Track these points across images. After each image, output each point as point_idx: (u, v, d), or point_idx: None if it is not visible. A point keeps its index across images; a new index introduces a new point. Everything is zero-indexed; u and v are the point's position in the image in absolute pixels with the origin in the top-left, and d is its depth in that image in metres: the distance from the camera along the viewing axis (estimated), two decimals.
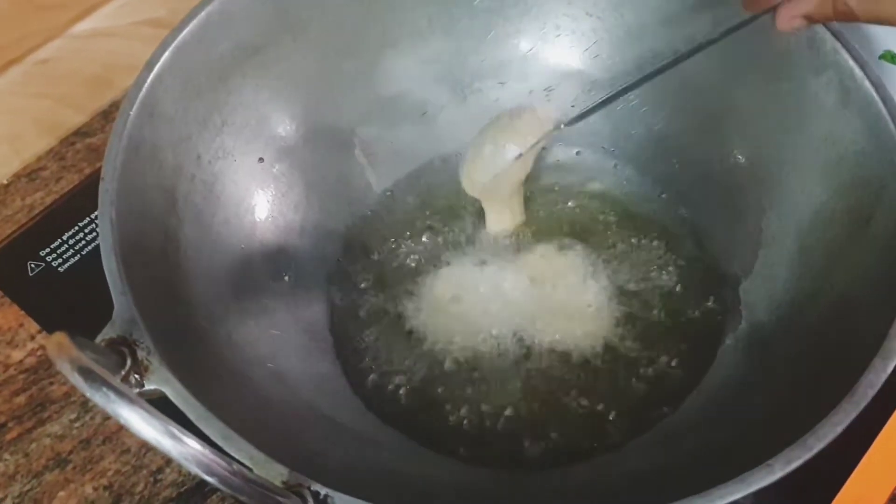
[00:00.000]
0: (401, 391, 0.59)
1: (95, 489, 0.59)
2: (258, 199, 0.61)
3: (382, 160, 0.68)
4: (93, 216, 0.70)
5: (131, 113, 0.51)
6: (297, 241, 0.63)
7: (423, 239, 0.66)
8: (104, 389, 0.33)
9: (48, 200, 0.73)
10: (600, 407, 0.57)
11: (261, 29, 0.59)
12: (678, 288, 0.62)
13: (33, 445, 0.61)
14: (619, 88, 0.57)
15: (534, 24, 0.67)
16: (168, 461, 0.59)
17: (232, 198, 0.59)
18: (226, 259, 0.57)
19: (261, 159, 0.61)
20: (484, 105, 0.68)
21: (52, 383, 0.63)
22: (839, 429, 0.40)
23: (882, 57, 0.62)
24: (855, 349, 0.44)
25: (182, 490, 0.58)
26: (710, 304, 0.61)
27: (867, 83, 0.51)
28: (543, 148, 0.65)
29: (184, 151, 0.55)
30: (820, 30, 0.53)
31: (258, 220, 0.61)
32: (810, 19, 0.50)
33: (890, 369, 0.41)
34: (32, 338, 0.65)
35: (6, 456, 0.60)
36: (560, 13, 0.66)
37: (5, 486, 0.59)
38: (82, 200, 0.71)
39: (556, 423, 0.57)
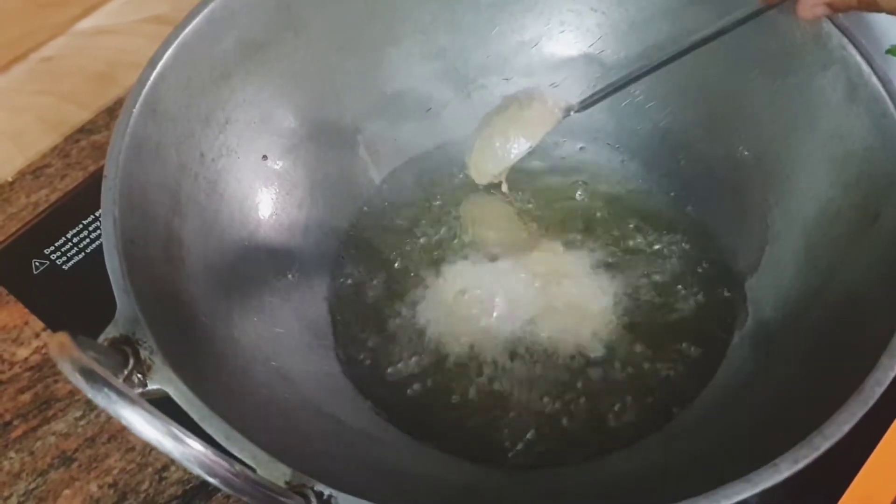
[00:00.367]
0: (405, 389, 0.59)
1: (100, 487, 0.59)
2: (262, 197, 0.61)
3: (386, 157, 0.68)
4: (97, 214, 0.70)
5: (134, 111, 0.51)
6: (301, 238, 0.63)
7: (428, 235, 0.66)
8: (105, 390, 0.33)
9: (53, 198, 0.73)
10: (606, 406, 0.57)
11: (263, 26, 0.59)
12: (684, 284, 0.62)
13: (38, 444, 0.61)
14: (633, 74, 0.56)
15: (538, 19, 0.66)
16: (173, 459, 0.59)
17: (235, 195, 0.59)
18: (229, 257, 0.57)
19: (264, 157, 0.61)
20: (488, 101, 0.67)
21: (56, 381, 0.63)
22: (846, 428, 0.39)
23: (889, 51, 0.62)
24: (862, 347, 0.43)
25: (187, 488, 0.58)
26: (716, 300, 0.61)
27: (874, 79, 0.50)
28: (549, 132, 0.65)
29: (187, 149, 0.55)
30: (827, 25, 0.52)
31: (262, 217, 0.61)
32: (833, 7, 0.50)
33: None
34: (37, 335, 0.65)
35: (11, 454, 0.60)
36: (565, 9, 0.66)
37: (11, 484, 0.59)
38: (86, 198, 0.71)
39: (562, 422, 0.57)
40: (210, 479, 0.33)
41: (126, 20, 0.77)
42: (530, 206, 0.67)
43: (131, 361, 0.41)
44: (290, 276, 0.61)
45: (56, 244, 0.69)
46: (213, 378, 0.47)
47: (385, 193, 0.68)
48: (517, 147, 0.61)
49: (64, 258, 0.68)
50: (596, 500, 0.51)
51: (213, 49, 0.56)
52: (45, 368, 0.64)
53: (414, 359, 0.60)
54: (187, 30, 0.54)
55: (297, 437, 0.48)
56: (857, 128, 0.51)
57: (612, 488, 0.51)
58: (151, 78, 0.52)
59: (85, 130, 0.78)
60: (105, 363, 0.40)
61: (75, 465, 0.60)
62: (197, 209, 0.55)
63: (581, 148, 0.69)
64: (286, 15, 0.60)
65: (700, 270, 0.62)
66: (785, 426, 0.44)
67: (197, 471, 0.33)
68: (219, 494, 0.58)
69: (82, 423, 0.61)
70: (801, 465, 0.38)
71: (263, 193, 0.61)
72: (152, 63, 0.53)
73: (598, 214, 0.66)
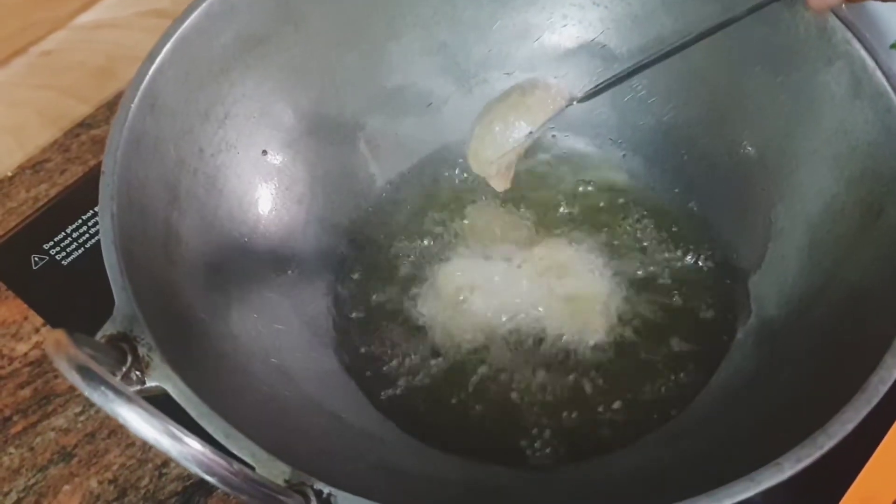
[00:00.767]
0: (405, 387, 0.58)
1: (100, 483, 0.59)
2: (261, 193, 0.61)
3: (387, 152, 0.68)
4: (96, 209, 0.69)
5: (132, 106, 0.50)
6: (301, 234, 0.63)
7: (429, 231, 0.65)
8: (102, 388, 0.32)
9: (53, 192, 0.73)
10: (609, 403, 0.57)
11: (263, 19, 0.58)
12: (687, 281, 0.62)
13: (38, 439, 0.61)
14: (636, 65, 0.56)
15: (541, 14, 0.66)
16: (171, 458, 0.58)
17: (235, 191, 0.59)
18: (228, 253, 0.57)
19: (264, 152, 0.61)
20: (490, 96, 0.66)
21: (56, 377, 0.63)
22: (850, 426, 0.39)
23: (894, 46, 0.61)
24: (866, 345, 0.43)
25: (187, 484, 0.58)
26: (719, 297, 0.61)
27: (879, 73, 0.50)
28: (552, 127, 0.65)
29: (186, 144, 0.55)
30: (831, 19, 0.52)
31: (261, 213, 0.61)
32: None
33: None
34: (37, 331, 0.65)
35: (11, 450, 0.60)
36: (567, 3, 0.65)
37: (10, 479, 0.59)
38: (86, 193, 0.71)
39: (564, 419, 0.57)
40: (208, 478, 0.33)
41: (126, 14, 0.77)
42: (532, 201, 0.66)
43: (129, 358, 0.41)
44: (289, 272, 0.61)
45: (55, 239, 0.69)
46: (212, 375, 0.46)
47: (386, 189, 0.68)
48: (517, 132, 0.60)
49: (63, 253, 0.68)
50: (598, 498, 0.51)
51: (213, 43, 0.56)
52: (44, 364, 0.64)
53: (415, 356, 0.60)
54: (186, 24, 0.54)
55: (296, 435, 0.48)
56: (861, 123, 0.51)
57: (614, 486, 0.51)
58: (150, 72, 0.52)
59: (85, 125, 0.78)
60: (103, 360, 0.40)
61: (75, 460, 0.60)
62: (196, 205, 0.55)
63: (584, 143, 0.69)
64: (286, 9, 0.59)
65: (703, 267, 0.62)
66: (788, 425, 0.44)
67: (195, 469, 0.33)
68: (219, 490, 0.57)
69: (82, 418, 0.61)
70: (804, 464, 0.38)
71: (263, 189, 0.61)
72: (151, 57, 0.52)
73: (601, 210, 0.66)
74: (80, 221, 0.70)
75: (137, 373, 0.41)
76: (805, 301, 0.53)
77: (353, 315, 0.62)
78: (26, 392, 0.63)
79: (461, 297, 0.62)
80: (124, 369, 0.41)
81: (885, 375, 0.40)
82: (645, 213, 0.65)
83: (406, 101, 0.67)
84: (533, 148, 0.65)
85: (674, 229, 0.64)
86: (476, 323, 0.60)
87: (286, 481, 0.38)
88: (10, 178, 0.74)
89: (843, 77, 0.52)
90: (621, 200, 0.66)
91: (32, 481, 0.59)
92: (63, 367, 0.33)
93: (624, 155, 0.68)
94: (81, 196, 0.71)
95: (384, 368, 0.59)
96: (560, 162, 0.68)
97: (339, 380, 0.58)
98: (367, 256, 0.64)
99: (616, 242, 0.64)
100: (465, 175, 0.67)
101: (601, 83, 0.58)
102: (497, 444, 0.56)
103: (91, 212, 0.70)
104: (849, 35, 0.51)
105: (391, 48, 0.65)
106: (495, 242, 0.64)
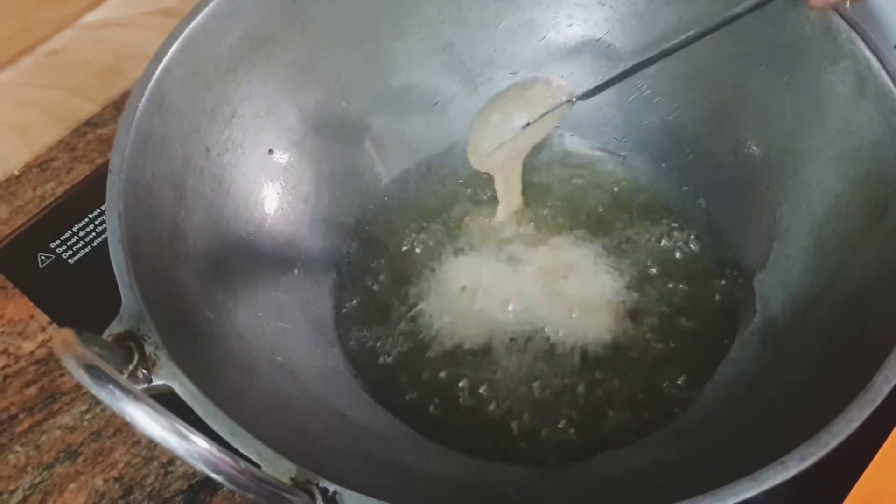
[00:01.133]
0: (412, 386, 0.59)
1: (106, 481, 0.59)
2: (267, 192, 0.61)
3: (392, 151, 0.68)
4: (103, 208, 0.69)
5: (139, 105, 0.50)
6: (307, 233, 0.63)
7: (434, 230, 0.66)
8: (110, 386, 0.33)
9: (59, 191, 0.73)
10: (612, 402, 0.57)
11: (269, 19, 0.58)
12: (692, 280, 0.62)
13: (44, 437, 0.61)
14: (638, 62, 0.56)
15: (546, 13, 0.66)
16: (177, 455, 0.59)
17: (241, 190, 0.59)
18: (235, 252, 0.57)
19: (270, 151, 0.61)
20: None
21: (62, 375, 0.63)
22: (854, 425, 0.39)
23: None
24: (870, 344, 0.43)
25: (192, 482, 0.59)
26: (723, 296, 0.61)
27: (883, 73, 0.50)
28: (557, 127, 0.65)
29: (192, 143, 0.55)
30: (836, 19, 0.52)
31: (268, 212, 0.61)
32: None
33: None
34: (43, 329, 0.65)
35: (17, 448, 0.60)
36: (572, 2, 0.65)
37: (16, 477, 0.59)
38: (93, 192, 0.71)
39: (568, 418, 0.57)
40: (214, 476, 0.33)
41: (133, 13, 0.77)
42: (537, 200, 0.67)
43: (136, 357, 0.41)
44: (295, 271, 0.61)
45: (62, 238, 0.69)
46: (218, 374, 0.47)
47: (391, 188, 0.68)
48: (514, 122, 0.60)
49: (70, 252, 0.68)
50: (603, 497, 0.51)
51: (219, 43, 0.56)
52: (50, 362, 0.64)
53: (420, 354, 0.60)
54: (193, 23, 0.54)
55: (302, 433, 0.48)
56: (866, 123, 0.51)
57: (618, 485, 0.51)
58: (157, 72, 0.52)
59: (91, 124, 0.78)
60: (110, 359, 0.40)
61: (81, 458, 0.60)
62: (202, 204, 0.55)
63: (589, 142, 0.69)
64: (292, 8, 0.59)
65: (708, 266, 0.62)
66: (792, 423, 0.44)
67: (201, 467, 0.33)
68: (224, 488, 0.58)
69: (88, 416, 0.61)
70: (808, 463, 0.38)
71: (269, 188, 0.61)
72: (158, 57, 0.52)
73: (605, 209, 0.66)
74: (86, 220, 0.70)
75: (144, 371, 0.41)
76: (810, 300, 0.53)
77: (359, 314, 0.62)
78: (32, 390, 0.63)
79: (466, 297, 0.62)
80: (131, 368, 0.41)
81: (890, 374, 0.40)
82: (649, 212, 0.65)
83: (411, 101, 0.67)
84: (538, 147, 0.65)
85: (678, 228, 0.64)
86: (480, 322, 0.60)
87: (292, 479, 0.38)
88: (17, 177, 0.74)
89: (848, 77, 0.52)
90: (626, 200, 0.66)
91: (38, 479, 0.59)
92: (71, 365, 0.33)
93: (630, 154, 0.68)
94: (88, 195, 0.72)
95: (389, 367, 0.59)
96: (565, 161, 0.68)
97: (345, 378, 0.58)
98: (372, 255, 0.65)
99: (620, 242, 0.64)
100: (471, 174, 0.67)
101: (602, 81, 0.58)
102: (502, 442, 0.56)
103: (98, 210, 0.70)
104: (854, 35, 0.51)
105: (397, 47, 0.65)
106: (500, 242, 0.64)
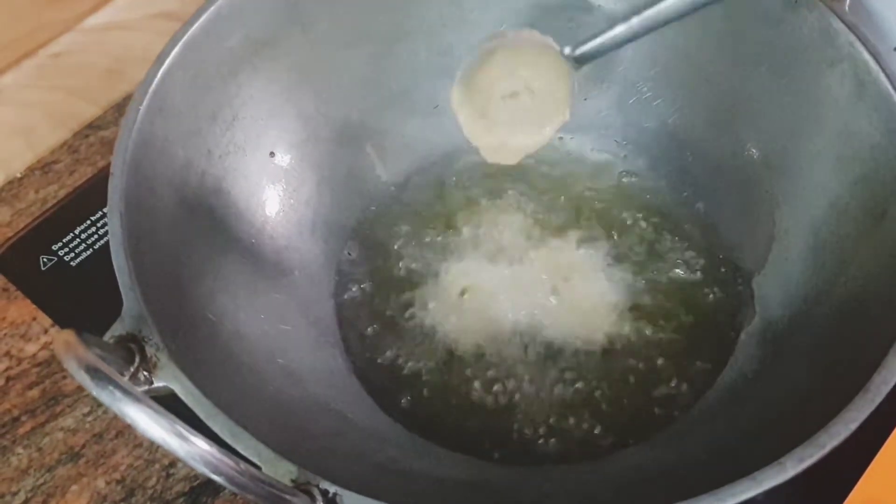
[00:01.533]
0: (412, 388, 0.59)
1: (108, 483, 0.59)
2: (269, 194, 0.61)
3: (393, 154, 0.68)
4: (105, 210, 0.70)
5: (141, 108, 0.51)
6: (308, 235, 0.63)
7: (435, 233, 0.66)
8: (110, 388, 0.33)
9: (61, 194, 0.73)
10: (613, 403, 0.57)
11: (271, 22, 0.59)
12: (692, 282, 0.62)
13: (46, 439, 0.61)
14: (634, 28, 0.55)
15: (546, 17, 0.66)
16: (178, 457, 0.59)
17: (243, 192, 0.59)
18: (236, 254, 0.57)
19: (271, 154, 0.61)
20: None
21: (65, 377, 0.63)
22: (853, 426, 0.39)
23: None
24: (869, 345, 0.43)
25: (194, 484, 0.59)
26: (723, 298, 0.61)
27: (882, 76, 0.50)
28: (558, 135, 0.65)
29: (194, 146, 0.55)
30: (835, 21, 0.52)
31: (269, 214, 0.61)
32: None
33: None
34: (45, 331, 0.66)
35: (19, 450, 0.61)
36: (573, 8, 0.65)
37: (18, 479, 0.59)
38: (95, 194, 0.71)
39: (569, 420, 0.57)
40: (215, 478, 0.33)
41: (135, 16, 0.78)
42: (537, 203, 0.67)
43: (137, 359, 0.41)
44: (296, 273, 0.61)
45: (64, 240, 0.69)
46: (219, 375, 0.47)
47: (392, 191, 0.68)
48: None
49: (72, 254, 0.68)
50: (602, 498, 0.51)
51: (221, 46, 0.56)
52: (52, 364, 0.64)
53: (421, 356, 0.60)
54: (195, 27, 0.54)
55: (302, 435, 0.48)
56: (865, 126, 0.51)
57: (618, 486, 0.51)
58: (158, 75, 0.52)
59: (94, 126, 0.78)
60: (111, 361, 0.40)
61: (83, 460, 0.60)
62: (204, 206, 0.55)
63: (589, 144, 0.69)
64: (293, 11, 0.60)
65: (708, 267, 0.62)
66: (791, 424, 0.44)
67: (202, 469, 0.33)
68: (226, 491, 0.58)
69: (90, 418, 0.62)
70: (807, 464, 0.38)
71: (270, 190, 0.61)
72: (159, 60, 0.52)
73: (605, 211, 0.66)
74: (88, 222, 0.70)
75: (145, 373, 0.41)
76: (809, 301, 0.54)
77: (359, 315, 0.62)
78: (35, 392, 0.63)
79: (466, 299, 0.62)
80: (132, 369, 0.41)
81: (888, 375, 0.40)
82: (649, 214, 0.65)
83: (412, 103, 0.67)
84: (538, 152, 0.65)
85: (678, 230, 0.64)
86: (481, 324, 0.61)
87: (292, 481, 0.39)
88: (20, 180, 0.75)
89: (847, 80, 0.52)
90: (626, 202, 0.66)
91: (40, 481, 0.59)
92: (72, 367, 0.33)
93: (630, 157, 0.68)
94: (90, 197, 0.72)
95: (390, 368, 0.59)
96: (565, 164, 0.69)
97: (345, 380, 0.58)
98: (373, 257, 0.65)
99: (620, 244, 0.64)
100: (471, 177, 0.67)
101: (596, 42, 0.56)
102: (502, 444, 0.56)
103: (100, 213, 0.70)
104: (852, 37, 0.51)
105: (398, 50, 0.65)
106: (500, 244, 0.64)
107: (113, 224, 0.46)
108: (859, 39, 0.51)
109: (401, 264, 0.64)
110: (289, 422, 0.49)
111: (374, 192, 0.67)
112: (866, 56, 0.51)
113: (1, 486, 0.59)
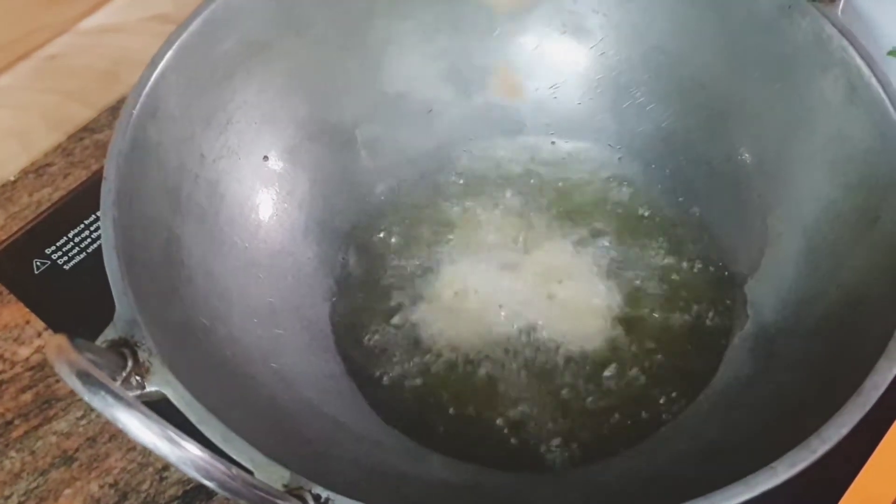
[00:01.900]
0: (405, 392, 0.59)
1: (101, 487, 0.59)
2: (262, 198, 0.61)
3: (387, 158, 0.68)
4: (99, 214, 0.70)
5: (134, 112, 0.50)
6: (302, 239, 0.63)
7: (429, 236, 0.65)
8: (102, 393, 0.33)
9: (55, 196, 0.73)
10: (606, 408, 0.57)
11: (265, 26, 0.59)
12: (684, 286, 0.62)
13: (39, 443, 0.61)
14: None
15: (539, 21, 0.66)
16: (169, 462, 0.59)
17: (236, 197, 0.59)
18: (229, 258, 0.57)
19: (265, 157, 0.61)
20: (490, 102, 0.67)
21: (58, 381, 0.63)
22: (844, 431, 0.39)
23: (890, 54, 0.62)
24: (861, 350, 0.43)
25: (188, 488, 0.59)
26: (715, 302, 0.61)
27: (874, 81, 0.50)
28: (552, 133, 0.65)
29: (187, 150, 0.55)
30: (827, 26, 0.52)
31: (262, 218, 0.61)
32: None
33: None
34: (39, 335, 0.65)
35: (12, 454, 0.60)
36: (566, 10, 0.65)
37: (11, 483, 0.59)
38: (88, 197, 0.70)
39: (562, 424, 0.57)
40: (207, 483, 0.33)
41: (131, 18, 0.78)
42: (531, 206, 0.67)
43: (130, 363, 0.41)
44: (290, 276, 0.61)
45: (57, 244, 0.69)
46: (212, 380, 0.47)
47: (386, 194, 0.68)
48: None
49: (65, 258, 0.68)
50: (595, 502, 0.51)
51: (215, 49, 0.56)
52: (46, 368, 0.64)
53: (415, 360, 0.60)
54: (189, 30, 0.54)
55: (295, 440, 0.48)
56: (858, 131, 0.51)
57: (610, 490, 0.52)
58: (152, 78, 0.52)
59: (88, 129, 0.78)
60: (103, 365, 0.40)
61: (76, 464, 0.60)
62: (197, 210, 0.55)
63: (583, 149, 0.69)
64: (288, 15, 0.60)
65: (700, 272, 0.62)
66: (783, 429, 0.44)
67: (193, 474, 0.33)
68: (219, 495, 0.57)
69: (83, 422, 0.61)
70: (798, 468, 0.38)
71: (264, 194, 0.61)
72: (153, 63, 0.52)
73: (599, 214, 0.66)
74: (82, 226, 0.70)
75: (138, 377, 0.41)
76: (801, 306, 0.54)
77: (353, 320, 0.62)
78: (28, 396, 0.63)
79: (460, 302, 0.62)
80: (125, 374, 0.41)
81: (879, 380, 0.40)
82: (643, 218, 0.66)
83: (407, 107, 0.67)
84: (531, 154, 0.65)
85: (672, 234, 0.64)
86: (475, 328, 0.60)
87: (285, 486, 0.39)
88: (14, 183, 0.75)
89: (839, 85, 0.52)
90: (619, 206, 0.66)
91: (33, 485, 0.59)
92: (63, 371, 0.33)
93: (624, 161, 0.68)
94: (84, 201, 0.71)
95: (383, 373, 0.59)
96: (559, 168, 0.69)
97: (339, 384, 0.58)
98: (366, 261, 0.64)
99: (614, 247, 0.64)
100: (466, 180, 0.67)
101: None
102: (496, 448, 0.56)
103: (93, 216, 0.70)
104: (845, 43, 0.52)
105: (392, 54, 0.65)
106: (494, 247, 0.64)
107: (105, 228, 0.46)
108: (852, 44, 0.51)
109: (394, 268, 0.64)
110: (282, 426, 0.49)
111: (368, 196, 0.67)
112: (859, 61, 0.51)
113: None
